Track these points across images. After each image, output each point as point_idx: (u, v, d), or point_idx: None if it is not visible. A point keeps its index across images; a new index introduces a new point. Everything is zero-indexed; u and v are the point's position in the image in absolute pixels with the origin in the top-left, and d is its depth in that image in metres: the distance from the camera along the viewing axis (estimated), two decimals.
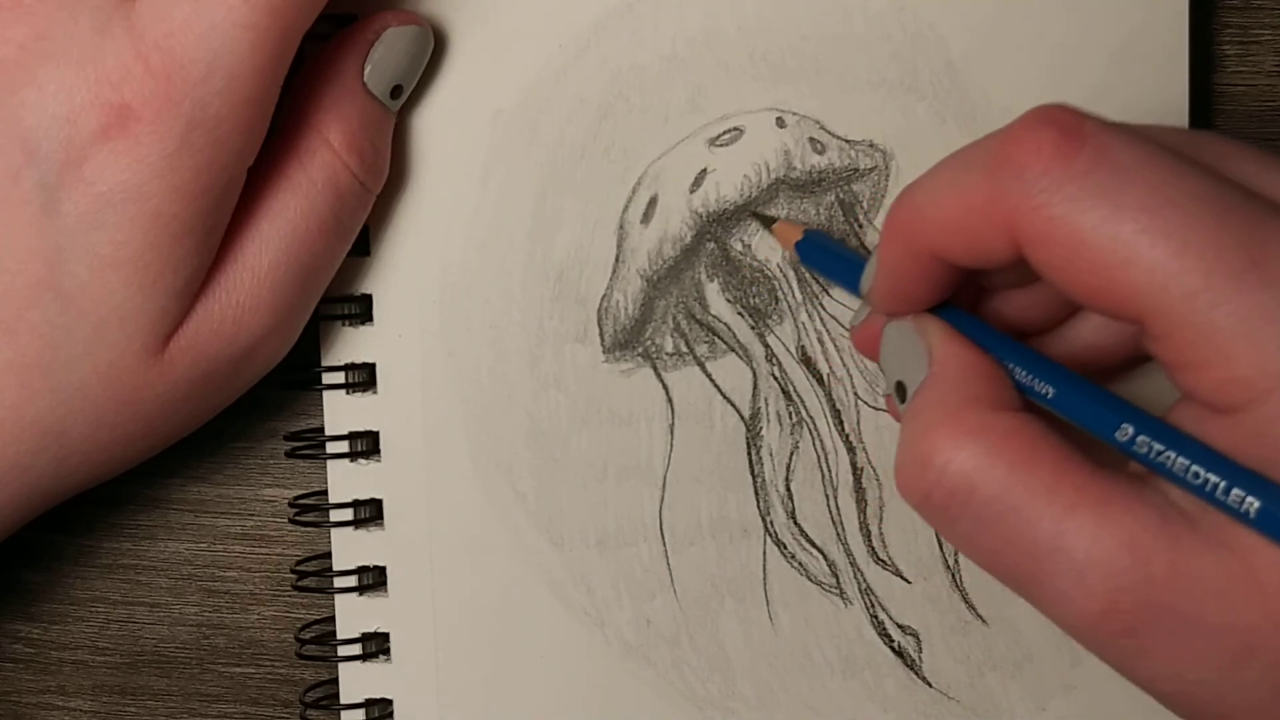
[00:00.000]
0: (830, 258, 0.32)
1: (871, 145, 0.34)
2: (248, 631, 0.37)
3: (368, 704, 0.35)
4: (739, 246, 0.35)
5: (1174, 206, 0.22)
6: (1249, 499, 0.22)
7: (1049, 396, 0.25)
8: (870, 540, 0.35)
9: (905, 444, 0.25)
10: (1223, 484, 0.22)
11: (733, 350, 0.35)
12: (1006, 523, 0.23)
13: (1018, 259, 0.24)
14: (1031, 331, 0.29)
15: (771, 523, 0.35)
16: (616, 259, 0.35)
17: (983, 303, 0.28)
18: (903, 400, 0.27)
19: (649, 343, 0.35)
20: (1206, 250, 0.21)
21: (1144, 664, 0.23)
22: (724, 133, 0.34)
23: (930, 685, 0.35)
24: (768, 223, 0.34)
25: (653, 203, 0.34)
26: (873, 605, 0.35)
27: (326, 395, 0.35)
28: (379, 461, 0.35)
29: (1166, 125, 0.27)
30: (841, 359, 0.35)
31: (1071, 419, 0.25)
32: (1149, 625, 0.22)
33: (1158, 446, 0.23)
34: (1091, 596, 0.22)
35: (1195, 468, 0.22)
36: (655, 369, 0.35)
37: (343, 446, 0.35)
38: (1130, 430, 0.24)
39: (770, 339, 0.35)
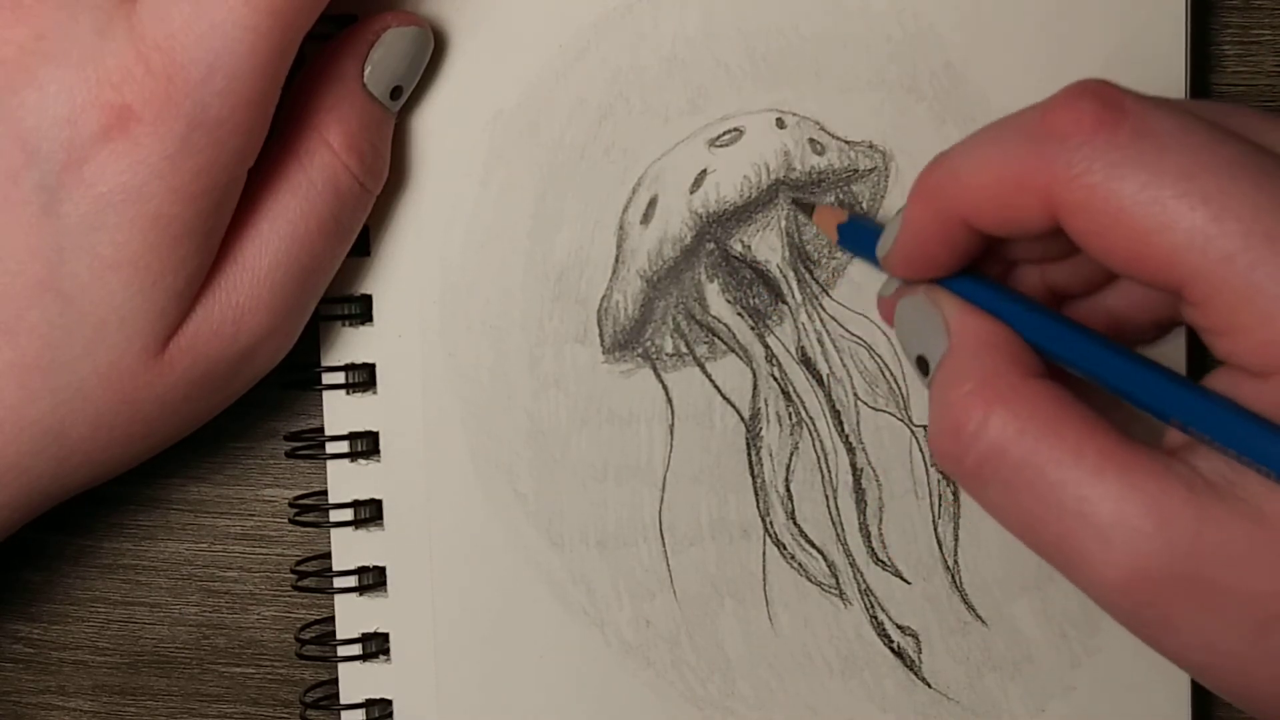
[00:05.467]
0: (872, 239, 0.31)
1: (871, 146, 0.34)
2: (248, 631, 0.37)
3: (367, 704, 0.36)
4: (739, 247, 0.35)
5: (1211, 172, 0.22)
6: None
7: (1072, 358, 0.25)
8: (870, 541, 0.35)
9: (936, 414, 0.25)
10: (1256, 442, 0.22)
11: (732, 351, 0.35)
12: (1034, 488, 0.24)
13: (1050, 229, 0.24)
14: (1058, 302, 0.29)
15: (771, 523, 0.35)
16: (616, 259, 0.35)
17: (1009, 274, 0.28)
18: (924, 373, 0.27)
19: (649, 343, 0.35)
20: (1244, 214, 0.22)
21: (1172, 634, 0.23)
22: (724, 133, 0.34)
23: (930, 686, 0.35)
24: (808, 209, 0.34)
25: (653, 203, 0.34)
26: (872, 606, 0.35)
27: (326, 395, 0.35)
28: (379, 461, 0.35)
29: (1199, 100, 0.27)
30: (841, 360, 0.35)
31: (1097, 380, 0.25)
32: (1174, 592, 0.22)
33: (1184, 404, 0.23)
34: (1116, 563, 0.23)
35: (1226, 425, 0.23)
36: (655, 369, 0.35)
37: (343, 447, 0.35)
38: (1159, 388, 0.24)
39: (770, 339, 0.35)
